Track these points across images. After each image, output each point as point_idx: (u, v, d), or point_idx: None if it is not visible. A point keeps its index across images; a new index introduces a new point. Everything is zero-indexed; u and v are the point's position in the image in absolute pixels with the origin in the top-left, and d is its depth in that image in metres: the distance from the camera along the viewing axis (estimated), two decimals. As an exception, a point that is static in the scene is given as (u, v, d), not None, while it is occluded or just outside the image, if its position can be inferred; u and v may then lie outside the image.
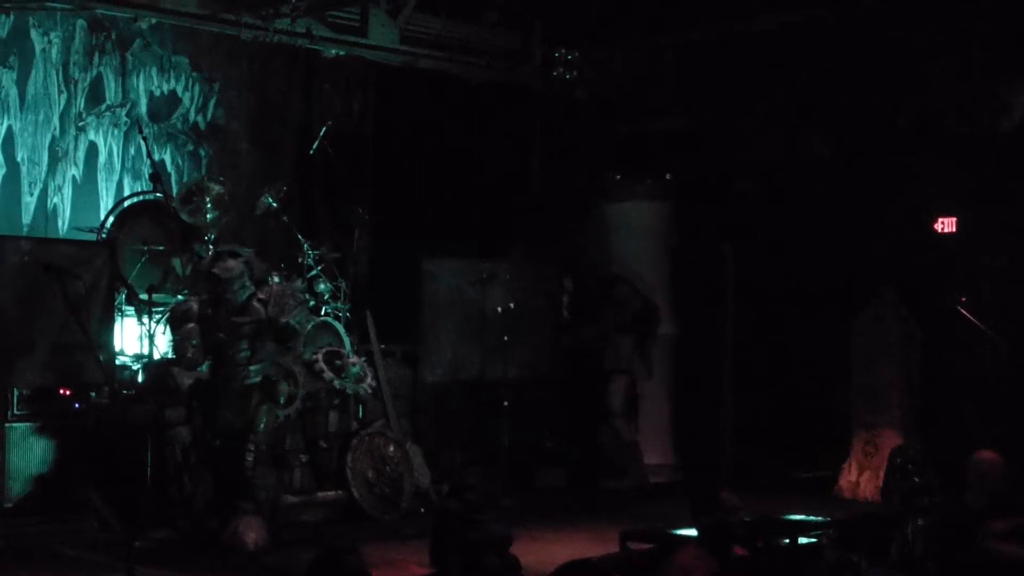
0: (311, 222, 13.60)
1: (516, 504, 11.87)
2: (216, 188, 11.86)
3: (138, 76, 13.27)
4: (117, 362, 11.43)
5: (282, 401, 10.61)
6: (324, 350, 11.84)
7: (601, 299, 14.12)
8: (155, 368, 11.23)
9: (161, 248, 11.95)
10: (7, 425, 10.62)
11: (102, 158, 13.07)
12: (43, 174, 12.71)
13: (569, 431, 14.14)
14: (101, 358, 10.85)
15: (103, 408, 11.02)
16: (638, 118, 14.49)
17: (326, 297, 12.26)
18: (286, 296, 10.49)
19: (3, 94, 12.46)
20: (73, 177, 12.90)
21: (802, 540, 8.53)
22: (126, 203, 12.51)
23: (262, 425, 10.33)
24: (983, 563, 7.73)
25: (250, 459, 10.15)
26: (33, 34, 12.61)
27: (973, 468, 8.38)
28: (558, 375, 14.21)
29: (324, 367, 11.66)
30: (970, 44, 12.41)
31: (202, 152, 13.64)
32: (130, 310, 11.69)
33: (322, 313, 12.19)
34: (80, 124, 12.93)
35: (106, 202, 12.94)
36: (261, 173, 13.70)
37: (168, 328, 11.07)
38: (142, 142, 12.75)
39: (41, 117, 12.68)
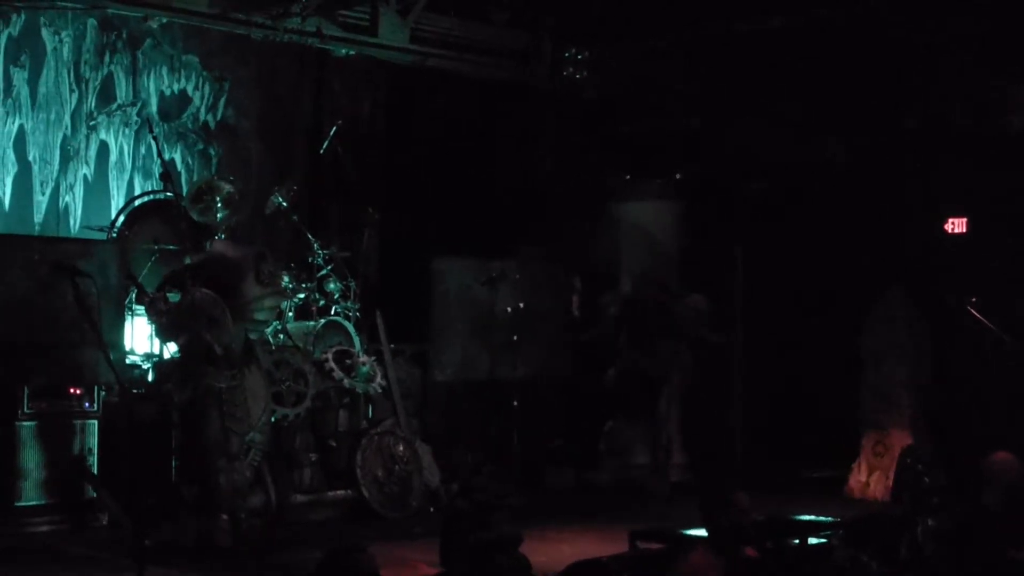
0: (321, 221, 13.61)
1: (525, 503, 11.86)
2: (226, 187, 11.86)
3: (148, 75, 13.29)
4: (127, 361, 11.44)
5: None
6: (334, 349, 11.86)
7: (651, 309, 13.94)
8: (165, 367, 11.24)
9: (171, 247, 11.96)
10: (17, 424, 10.63)
11: (113, 157, 13.10)
12: (55, 173, 12.75)
13: (579, 431, 14.13)
14: (111, 357, 10.85)
15: (113, 407, 11.04)
16: (648, 118, 14.47)
17: (336, 297, 12.27)
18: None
19: (14, 93, 12.49)
20: (84, 176, 12.93)
21: (812, 540, 8.53)
22: (137, 202, 12.54)
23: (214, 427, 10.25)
24: (1003, 566, 7.73)
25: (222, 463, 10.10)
26: (44, 33, 12.64)
27: (991, 469, 8.38)
28: (568, 374, 14.20)
29: (334, 366, 11.69)
30: (979, 43, 12.38)
31: (212, 151, 13.67)
32: (140, 309, 11.70)
33: (332, 313, 12.21)
34: (91, 123, 12.96)
35: (117, 201, 12.97)
36: (271, 172, 13.72)
37: None
38: (152, 141, 12.77)
39: (52, 116, 12.71)
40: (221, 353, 9.94)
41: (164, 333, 10.68)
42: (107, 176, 13.07)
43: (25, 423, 10.68)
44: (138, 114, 13.18)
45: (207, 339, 9.88)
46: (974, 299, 11.90)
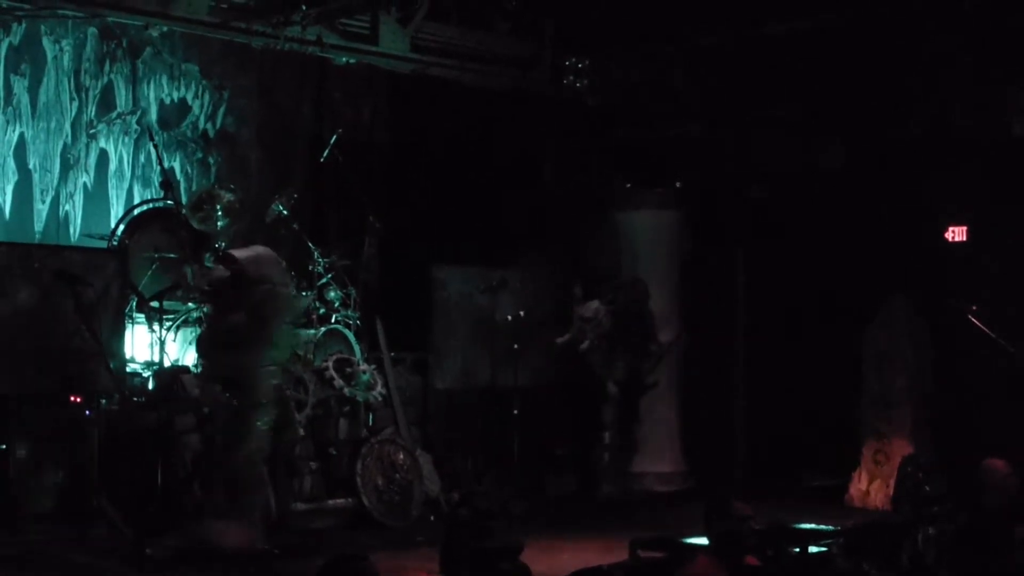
0: (321, 230, 13.60)
1: (526, 511, 11.87)
2: (227, 196, 11.88)
3: (148, 84, 13.30)
4: (127, 369, 11.44)
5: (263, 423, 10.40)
6: (334, 357, 11.86)
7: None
8: (165, 375, 11.24)
9: (172, 255, 11.97)
10: (17, 432, 10.62)
11: (112, 166, 13.10)
12: (55, 181, 12.74)
13: (579, 438, 14.11)
14: (112, 365, 10.87)
15: (113, 415, 11.03)
16: (649, 125, 14.47)
17: (336, 305, 12.27)
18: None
19: (15, 101, 12.49)
20: (84, 184, 12.93)
21: (812, 549, 8.53)
22: (136, 211, 12.53)
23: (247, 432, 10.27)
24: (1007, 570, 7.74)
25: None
26: (45, 42, 12.65)
27: (988, 475, 8.42)
28: (568, 382, 14.18)
29: (334, 375, 11.68)
30: (979, 48, 12.38)
31: (211, 160, 13.67)
32: (140, 317, 11.71)
33: (332, 321, 12.21)
34: (91, 132, 12.96)
35: (116, 210, 12.96)
36: (270, 181, 13.72)
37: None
38: (152, 150, 12.78)
39: (53, 124, 12.71)
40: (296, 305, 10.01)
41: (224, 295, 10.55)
42: (107, 184, 13.06)
43: (25, 431, 10.67)
44: (138, 122, 13.19)
45: (283, 292, 9.94)
46: (974, 306, 11.90)
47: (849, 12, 12.11)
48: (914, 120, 13.08)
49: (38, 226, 12.65)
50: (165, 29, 12.51)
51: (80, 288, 10.62)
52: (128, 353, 11.57)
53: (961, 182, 12.93)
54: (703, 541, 7.29)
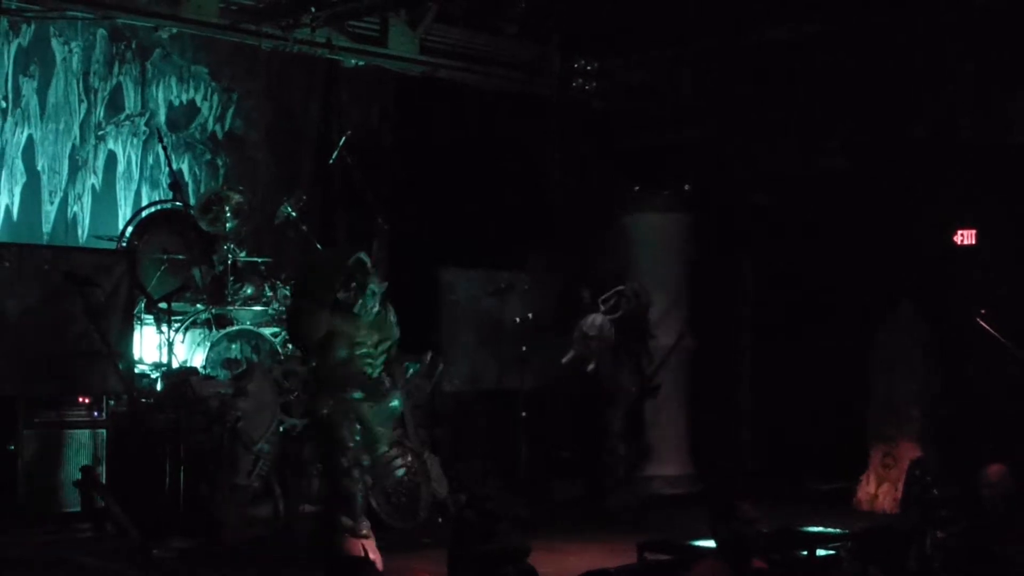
0: (329, 231, 13.62)
1: (532, 514, 11.85)
2: (235, 197, 11.90)
3: (157, 86, 13.32)
4: (136, 371, 11.46)
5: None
6: (342, 359, 11.83)
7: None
8: (174, 377, 11.25)
9: (180, 257, 11.98)
10: (26, 433, 10.64)
11: (121, 167, 13.12)
12: (63, 183, 12.77)
13: (586, 442, 14.10)
14: (120, 367, 10.88)
15: (122, 417, 11.04)
16: (656, 129, 14.48)
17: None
18: None
19: (24, 103, 12.53)
20: (92, 186, 12.95)
21: (820, 552, 8.53)
22: (145, 212, 12.55)
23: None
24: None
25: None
26: (54, 43, 12.68)
27: (985, 480, 8.45)
28: (575, 386, 14.16)
29: (342, 376, 11.67)
30: (985, 51, 12.37)
31: (220, 161, 13.68)
32: (149, 319, 11.73)
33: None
34: (100, 133, 12.98)
35: (124, 211, 12.99)
36: (278, 183, 13.74)
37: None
38: (161, 151, 12.80)
39: (61, 126, 12.74)
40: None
41: None
42: (115, 186, 13.09)
43: (34, 432, 10.68)
44: (146, 124, 13.21)
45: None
46: (983, 311, 11.89)
47: (854, 18, 12.11)
48: (920, 125, 13.07)
49: (46, 227, 12.67)
50: (174, 31, 12.54)
51: (89, 289, 10.64)
52: (137, 354, 11.59)
53: (967, 186, 12.92)
54: (710, 544, 7.29)
